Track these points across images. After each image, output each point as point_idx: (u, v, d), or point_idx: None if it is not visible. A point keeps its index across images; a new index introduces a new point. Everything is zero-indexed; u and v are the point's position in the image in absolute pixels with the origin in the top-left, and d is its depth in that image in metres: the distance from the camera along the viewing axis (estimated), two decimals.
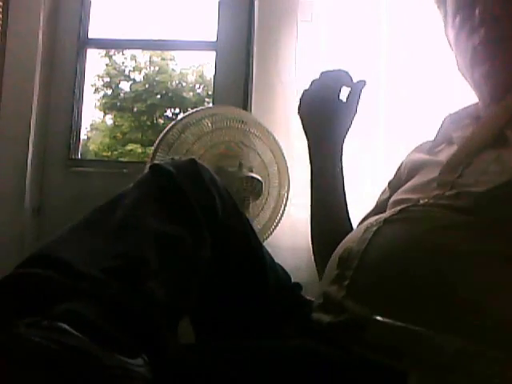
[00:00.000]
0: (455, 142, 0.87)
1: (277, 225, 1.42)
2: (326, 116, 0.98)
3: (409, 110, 1.54)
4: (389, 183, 1.03)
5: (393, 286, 0.66)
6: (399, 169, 1.02)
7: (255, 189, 1.34)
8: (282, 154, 1.39)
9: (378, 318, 0.50)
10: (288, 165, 1.40)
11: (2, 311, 0.52)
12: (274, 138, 1.38)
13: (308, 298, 0.85)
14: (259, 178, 1.35)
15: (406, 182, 0.91)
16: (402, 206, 0.76)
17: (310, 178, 1.02)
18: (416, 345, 0.59)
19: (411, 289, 0.65)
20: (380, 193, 1.05)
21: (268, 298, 0.81)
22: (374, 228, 0.74)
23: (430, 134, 0.97)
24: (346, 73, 0.98)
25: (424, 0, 1.56)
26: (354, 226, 1.00)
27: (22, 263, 0.57)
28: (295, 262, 1.21)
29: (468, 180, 0.75)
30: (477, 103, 0.93)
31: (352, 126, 1.01)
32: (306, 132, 1.02)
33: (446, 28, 0.96)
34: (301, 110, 1.02)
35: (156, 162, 1.30)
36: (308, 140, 1.02)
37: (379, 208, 0.97)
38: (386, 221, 0.74)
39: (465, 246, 0.66)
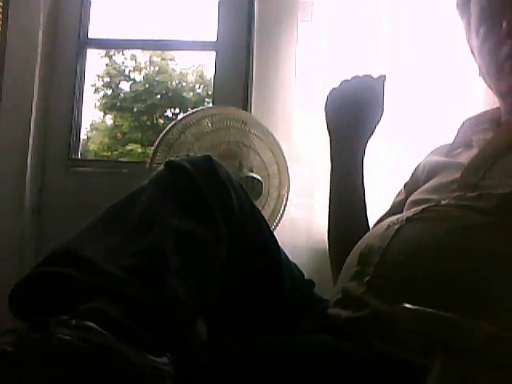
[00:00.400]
0: (475, 145, 0.88)
1: (277, 225, 1.42)
2: (355, 115, 0.99)
3: (410, 110, 1.54)
4: (404, 185, 1.04)
5: (415, 283, 0.67)
6: (416, 171, 1.02)
7: (255, 189, 1.34)
8: (282, 154, 1.39)
9: (407, 305, 0.51)
10: (288, 165, 1.40)
11: (29, 310, 0.53)
12: (274, 138, 1.38)
13: (320, 295, 0.85)
14: (259, 178, 1.35)
15: (425, 183, 0.91)
16: (424, 206, 0.77)
17: (330, 176, 1.02)
18: (446, 330, 0.59)
19: (434, 286, 0.65)
20: (395, 194, 1.06)
21: (283, 295, 0.81)
22: (396, 226, 0.74)
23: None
24: (382, 79, 1.00)
25: (424, 0, 1.56)
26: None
27: (44, 260, 0.57)
28: (295, 261, 1.21)
29: (491, 182, 0.75)
30: (497, 108, 0.93)
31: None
32: (330, 129, 1.03)
33: (469, 37, 0.95)
34: (328, 107, 1.02)
35: (156, 162, 1.31)
36: (332, 137, 1.03)
37: (395, 209, 0.97)
38: (408, 219, 0.75)
39: (488, 246, 0.67)
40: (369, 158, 1.47)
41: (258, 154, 1.39)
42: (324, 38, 1.58)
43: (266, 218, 1.41)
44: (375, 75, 1.01)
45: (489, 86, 0.91)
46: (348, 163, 1.00)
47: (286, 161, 1.40)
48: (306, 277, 0.91)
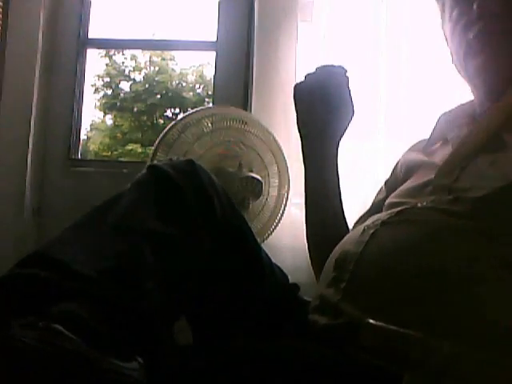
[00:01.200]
0: (450, 141, 0.87)
1: (277, 225, 1.42)
2: (327, 110, 0.96)
3: (409, 110, 1.54)
4: (385, 182, 1.02)
5: (388, 289, 0.66)
6: (395, 168, 1.00)
7: (255, 189, 1.34)
8: (282, 154, 1.39)
9: (371, 321, 0.50)
10: (288, 165, 1.40)
11: None
12: (274, 138, 1.38)
13: (306, 298, 0.84)
14: (259, 178, 1.35)
15: (403, 182, 0.90)
16: (400, 208, 0.76)
17: (304, 175, 1.00)
18: (408, 347, 0.59)
19: (406, 292, 0.64)
20: (376, 192, 1.05)
21: (266, 298, 0.81)
22: (371, 230, 0.73)
23: (429, 133, 0.96)
24: (343, 68, 0.96)
25: (424, 0, 1.56)
26: (350, 226, 0.99)
27: (19, 263, 0.57)
28: (295, 262, 1.21)
29: (464, 184, 0.74)
30: (472, 101, 0.92)
31: (350, 128, 0.99)
32: (300, 127, 0.99)
33: (443, 23, 0.95)
34: (298, 104, 0.98)
35: (155, 162, 1.30)
36: (303, 135, 0.99)
37: (375, 208, 0.96)
38: (383, 223, 0.74)
39: (463, 250, 0.66)
40: (367, 156, 1.47)
41: (258, 154, 1.39)
42: (324, 38, 1.58)
43: (266, 217, 1.42)
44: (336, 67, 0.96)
45: (460, 74, 0.90)
46: (320, 161, 0.98)
47: (286, 161, 1.40)
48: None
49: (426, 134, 0.96)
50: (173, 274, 0.64)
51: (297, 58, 1.58)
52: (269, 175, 1.40)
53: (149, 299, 0.57)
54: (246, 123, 1.38)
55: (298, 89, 0.97)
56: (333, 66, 0.96)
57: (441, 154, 0.86)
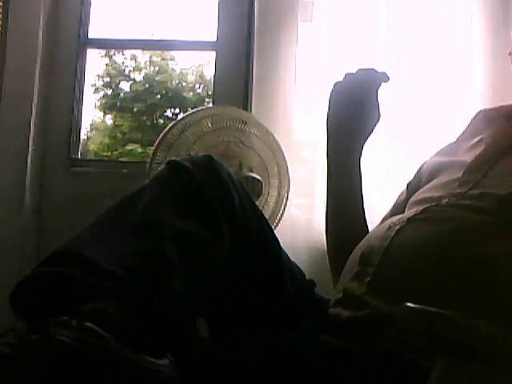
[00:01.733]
0: (484, 141, 0.87)
1: (277, 225, 1.42)
2: (359, 110, 0.96)
3: (410, 110, 1.54)
4: (407, 185, 1.03)
5: (415, 283, 0.67)
6: (419, 170, 1.01)
7: (255, 189, 1.34)
8: (282, 154, 1.39)
9: (409, 304, 0.51)
10: (288, 165, 1.40)
11: (30, 309, 0.53)
12: (274, 138, 1.38)
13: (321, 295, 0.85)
14: (259, 178, 1.35)
15: (427, 182, 0.91)
16: (425, 206, 0.76)
17: (327, 173, 1.00)
18: (449, 329, 0.59)
19: (434, 287, 0.65)
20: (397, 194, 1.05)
21: (284, 293, 0.81)
22: (397, 227, 0.74)
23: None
24: (385, 73, 0.96)
25: (424, 0, 1.56)
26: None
27: (45, 260, 0.57)
28: (295, 261, 1.21)
29: (492, 181, 0.75)
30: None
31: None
32: (329, 124, 0.99)
33: None
34: (334, 98, 0.98)
35: (156, 162, 1.31)
36: (332, 132, 0.99)
37: (397, 209, 0.96)
38: (409, 220, 0.75)
39: (487, 246, 0.67)
40: (369, 157, 1.47)
41: (258, 154, 1.39)
42: (324, 38, 1.58)
43: (266, 218, 1.42)
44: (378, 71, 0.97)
45: None
46: (345, 161, 0.98)
47: (286, 161, 1.40)
48: (306, 277, 0.90)
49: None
50: (196, 272, 0.64)
51: (297, 58, 1.58)
52: (269, 175, 1.41)
53: (174, 297, 0.58)
54: (245, 123, 1.38)
55: (336, 87, 0.98)
56: (375, 70, 0.97)
57: (473, 153, 0.86)
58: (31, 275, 0.55)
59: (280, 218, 1.42)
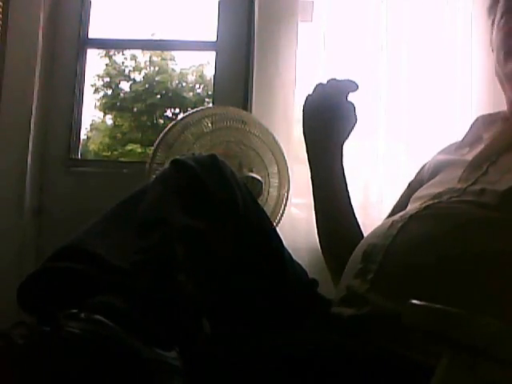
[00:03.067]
0: (484, 142, 0.88)
1: (277, 225, 1.42)
2: (328, 118, 0.97)
3: (409, 111, 1.54)
4: (409, 184, 1.04)
5: (418, 280, 0.67)
6: (421, 170, 1.02)
7: (255, 189, 1.34)
8: (282, 154, 1.39)
9: (414, 301, 0.51)
10: (288, 165, 1.40)
11: (39, 303, 0.53)
12: (274, 138, 1.38)
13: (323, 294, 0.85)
14: (259, 178, 1.35)
15: (429, 180, 0.91)
16: (428, 203, 0.77)
17: (312, 184, 1.01)
18: (454, 326, 0.59)
19: (437, 283, 0.66)
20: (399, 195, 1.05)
21: (287, 292, 0.81)
22: (400, 224, 0.75)
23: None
24: (354, 82, 0.97)
25: (424, 0, 1.56)
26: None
27: (53, 256, 0.58)
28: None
29: (493, 177, 0.76)
30: (507, 108, 0.93)
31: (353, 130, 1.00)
32: (306, 135, 1.01)
33: (492, 28, 0.95)
34: (306, 114, 1.00)
35: (156, 162, 1.31)
36: (310, 142, 1.01)
37: (399, 209, 0.97)
38: (411, 217, 0.75)
39: (490, 242, 0.67)
40: (367, 156, 1.47)
41: (258, 154, 1.39)
42: (324, 38, 1.57)
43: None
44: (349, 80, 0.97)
45: (499, 79, 0.91)
46: (327, 168, 0.99)
47: (286, 161, 1.40)
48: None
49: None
50: (201, 268, 0.65)
51: (297, 58, 1.58)
52: (269, 175, 1.41)
53: (182, 291, 0.59)
54: (245, 123, 1.38)
55: (307, 100, 1.00)
56: (347, 79, 0.97)
57: (473, 152, 0.87)
58: (39, 270, 0.56)
59: (280, 218, 1.42)
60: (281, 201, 1.42)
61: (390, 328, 0.64)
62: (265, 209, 1.41)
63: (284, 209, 1.42)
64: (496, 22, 0.91)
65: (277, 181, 1.41)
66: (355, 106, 0.98)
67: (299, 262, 0.91)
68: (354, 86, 0.95)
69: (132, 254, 0.59)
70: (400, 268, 0.70)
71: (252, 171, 1.36)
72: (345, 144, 1.00)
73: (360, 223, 1.02)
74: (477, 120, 0.95)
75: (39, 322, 0.47)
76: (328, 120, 0.97)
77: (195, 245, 0.65)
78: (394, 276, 0.70)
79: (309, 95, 0.99)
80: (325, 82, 0.98)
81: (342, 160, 1.00)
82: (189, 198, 0.70)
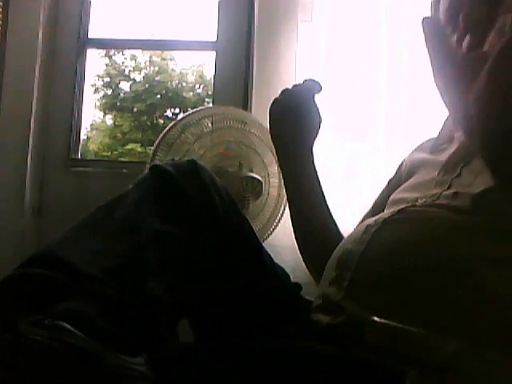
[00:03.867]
0: (456, 140, 0.87)
1: (277, 225, 1.42)
2: (294, 120, 0.98)
3: (409, 111, 1.54)
4: (388, 182, 1.03)
5: (391, 287, 0.66)
6: (400, 168, 1.01)
7: (255, 189, 1.34)
8: None
9: (376, 318, 0.51)
10: None
11: (4, 310, 0.53)
12: None
13: (307, 298, 0.84)
14: (259, 178, 1.35)
15: (406, 180, 0.91)
16: (401, 207, 0.76)
17: (284, 188, 1.01)
18: (413, 345, 0.59)
19: (409, 290, 0.65)
20: (379, 192, 1.05)
21: (268, 297, 0.81)
22: (373, 229, 0.74)
23: (430, 134, 0.97)
24: (317, 83, 0.97)
25: (424, 0, 1.56)
26: (347, 225, 0.99)
27: (23, 263, 0.58)
28: (295, 261, 1.21)
29: (466, 180, 0.75)
30: None
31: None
32: (274, 139, 1.01)
33: None
34: (272, 118, 1.00)
35: (156, 162, 1.30)
36: (278, 145, 1.01)
37: (378, 207, 0.96)
38: (384, 221, 0.74)
39: (463, 247, 0.66)
40: (367, 156, 1.47)
41: (258, 153, 1.39)
42: (324, 38, 1.58)
43: (266, 218, 1.42)
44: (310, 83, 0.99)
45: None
46: (296, 169, 0.99)
47: None
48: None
49: (425, 134, 0.96)
50: (175, 273, 0.65)
51: (297, 58, 1.58)
52: (269, 175, 1.41)
53: (150, 297, 0.58)
54: (245, 123, 1.38)
55: (273, 104, 1.00)
56: (305, 81, 0.98)
57: (447, 153, 0.86)
58: (9, 277, 0.55)
59: (280, 218, 1.42)
60: (281, 201, 1.42)
61: (363, 337, 0.63)
62: (265, 209, 1.42)
63: (284, 209, 1.42)
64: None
65: (277, 181, 1.41)
66: (318, 106, 0.99)
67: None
68: (317, 87, 0.96)
69: (103, 260, 0.59)
70: (374, 275, 0.69)
71: (252, 171, 1.36)
72: (314, 145, 1.01)
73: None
74: (448, 118, 0.95)
75: (1, 329, 0.46)
76: (294, 122, 0.97)
77: (169, 250, 0.65)
78: (367, 284, 0.69)
79: (275, 99, 1.00)
80: (290, 87, 0.99)
81: (312, 160, 0.99)
82: (165, 203, 0.70)
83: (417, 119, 1.53)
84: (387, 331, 0.61)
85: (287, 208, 1.42)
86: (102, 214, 0.68)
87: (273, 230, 1.42)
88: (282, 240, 1.43)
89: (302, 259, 0.99)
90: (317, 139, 1.00)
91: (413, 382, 0.54)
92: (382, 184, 1.05)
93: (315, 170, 0.99)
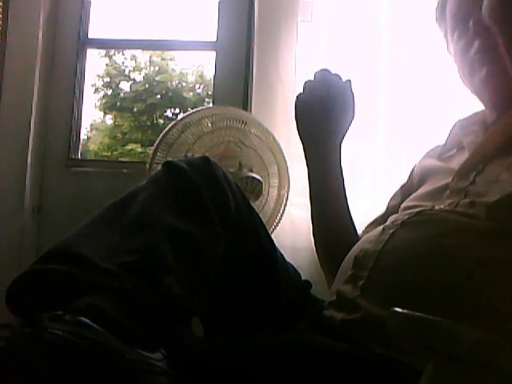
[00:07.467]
0: (466, 147, 0.88)
1: (277, 225, 1.42)
2: (323, 115, 0.98)
3: (409, 111, 1.54)
4: (401, 187, 1.04)
5: (408, 287, 0.67)
6: (412, 173, 1.02)
7: (255, 189, 1.34)
8: (282, 154, 1.39)
9: (397, 309, 0.51)
10: (288, 165, 1.40)
11: (24, 305, 0.53)
12: (274, 138, 1.38)
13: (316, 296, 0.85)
14: (259, 178, 1.35)
15: (417, 187, 0.92)
16: (419, 209, 0.77)
17: (308, 180, 1.01)
18: (434, 335, 0.59)
19: (426, 291, 0.65)
20: (390, 196, 1.05)
21: (279, 295, 0.81)
22: (391, 230, 0.75)
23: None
24: (337, 75, 0.98)
25: (425, 0, 1.56)
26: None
27: (40, 259, 0.58)
28: (295, 261, 1.21)
29: (480, 188, 0.76)
30: (484, 110, 0.94)
31: (351, 128, 1.00)
32: (301, 134, 1.01)
33: (447, 45, 0.98)
34: (297, 112, 1.00)
35: (156, 162, 1.31)
36: (306, 141, 1.01)
37: (390, 212, 0.97)
38: (403, 223, 0.75)
39: (480, 249, 0.67)
40: (367, 156, 1.47)
41: (258, 154, 1.39)
42: (324, 38, 1.58)
43: (266, 218, 1.42)
44: (342, 78, 0.99)
45: (468, 88, 0.92)
46: (323, 164, 0.99)
47: (285, 161, 1.40)
48: (304, 277, 0.91)
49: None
50: (190, 270, 0.65)
51: (297, 58, 1.58)
52: (269, 175, 1.41)
53: (167, 293, 0.58)
54: (245, 123, 1.38)
55: (298, 98, 1.00)
56: (329, 72, 0.98)
57: (457, 160, 0.87)
58: (27, 273, 0.56)
59: (280, 218, 1.42)
60: (281, 201, 1.42)
61: (378, 333, 0.64)
62: (265, 209, 1.42)
63: (284, 209, 1.42)
64: (450, 36, 0.93)
65: (277, 181, 1.41)
66: (352, 96, 0.98)
67: (299, 262, 0.91)
68: (348, 85, 0.98)
69: (120, 255, 0.59)
70: (389, 275, 0.70)
71: (252, 171, 1.36)
72: (343, 143, 1.00)
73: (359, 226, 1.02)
74: (455, 125, 0.96)
75: (23, 324, 0.47)
76: (324, 114, 0.97)
77: (184, 247, 0.65)
78: (383, 283, 0.70)
79: (300, 94, 1.00)
80: (312, 78, 0.98)
81: (339, 156, 0.99)
82: (180, 201, 0.70)
83: (417, 119, 1.53)
84: (410, 321, 0.61)
85: (287, 208, 1.43)
86: (116, 209, 0.68)
87: (273, 230, 1.42)
88: (282, 240, 1.43)
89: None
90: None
91: (430, 374, 0.54)
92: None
93: (341, 167, 0.99)
